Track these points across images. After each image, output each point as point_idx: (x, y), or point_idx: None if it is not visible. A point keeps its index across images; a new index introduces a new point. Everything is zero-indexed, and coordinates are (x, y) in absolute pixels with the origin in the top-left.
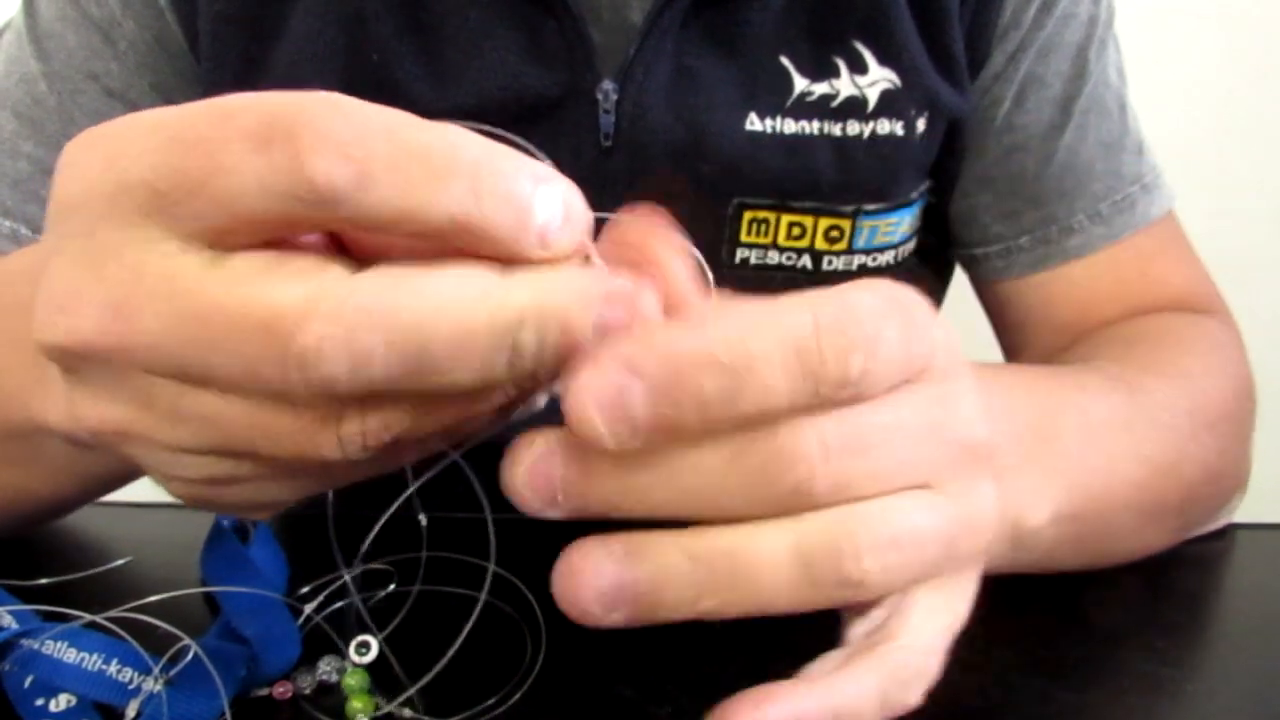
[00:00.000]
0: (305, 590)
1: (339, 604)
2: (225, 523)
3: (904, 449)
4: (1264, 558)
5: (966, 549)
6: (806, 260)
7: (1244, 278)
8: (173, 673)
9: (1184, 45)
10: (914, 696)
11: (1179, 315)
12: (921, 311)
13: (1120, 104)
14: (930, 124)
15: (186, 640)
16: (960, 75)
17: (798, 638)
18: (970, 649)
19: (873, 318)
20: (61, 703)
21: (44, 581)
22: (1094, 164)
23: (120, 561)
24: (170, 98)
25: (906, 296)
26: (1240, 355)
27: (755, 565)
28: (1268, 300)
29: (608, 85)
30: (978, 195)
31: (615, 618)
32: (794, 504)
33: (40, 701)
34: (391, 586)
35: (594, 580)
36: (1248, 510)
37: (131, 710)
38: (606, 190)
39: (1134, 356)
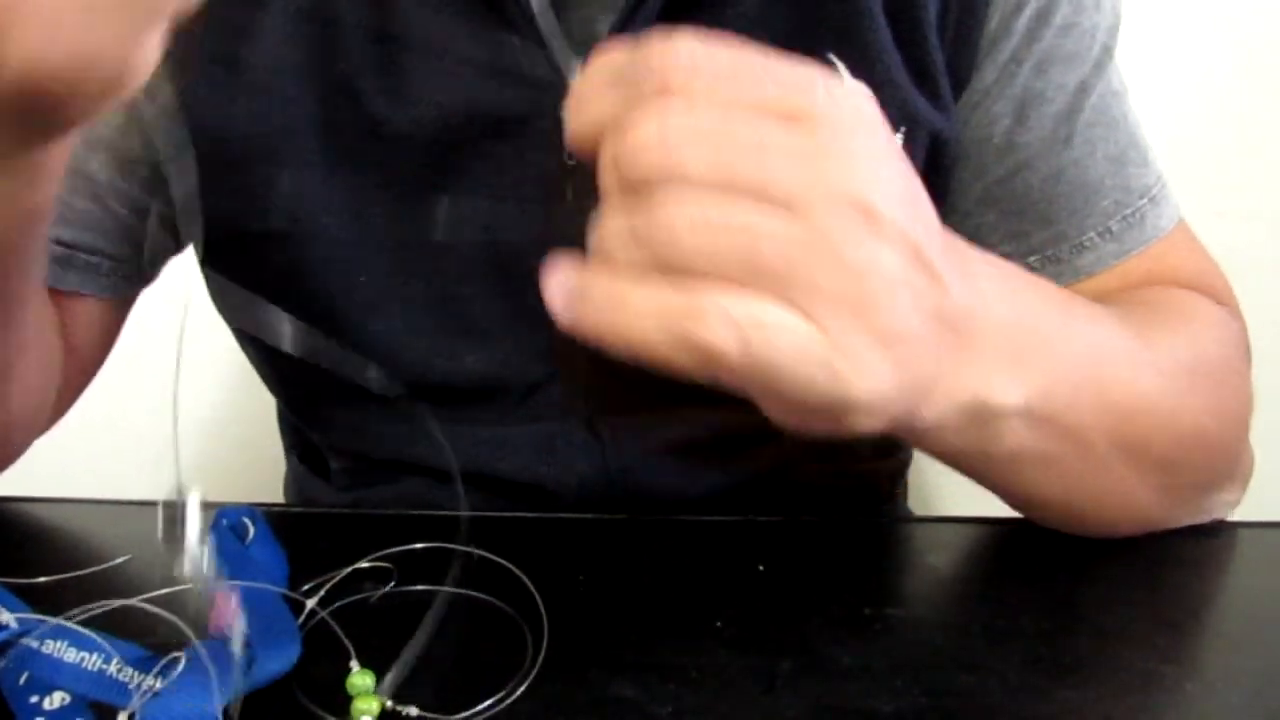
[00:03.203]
0: (306, 587)
1: (340, 602)
2: (225, 521)
3: (755, 157)
4: (1264, 557)
5: (834, 280)
6: None
7: (1244, 278)
8: (173, 673)
9: (1183, 43)
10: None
11: (1187, 291)
12: (801, 69)
13: (1124, 113)
14: (909, 139)
15: (180, 645)
16: (940, 90)
17: (801, 638)
18: (970, 649)
19: (689, 50)
20: (55, 701)
21: (44, 580)
22: (1103, 179)
23: (120, 560)
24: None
25: (777, 64)
26: (1244, 347)
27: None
28: (1268, 300)
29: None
30: (982, 215)
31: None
32: (637, 186)
33: (34, 699)
34: (391, 584)
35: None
36: (1248, 510)
37: (125, 712)
38: (580, 206)
39: (1140, 312)
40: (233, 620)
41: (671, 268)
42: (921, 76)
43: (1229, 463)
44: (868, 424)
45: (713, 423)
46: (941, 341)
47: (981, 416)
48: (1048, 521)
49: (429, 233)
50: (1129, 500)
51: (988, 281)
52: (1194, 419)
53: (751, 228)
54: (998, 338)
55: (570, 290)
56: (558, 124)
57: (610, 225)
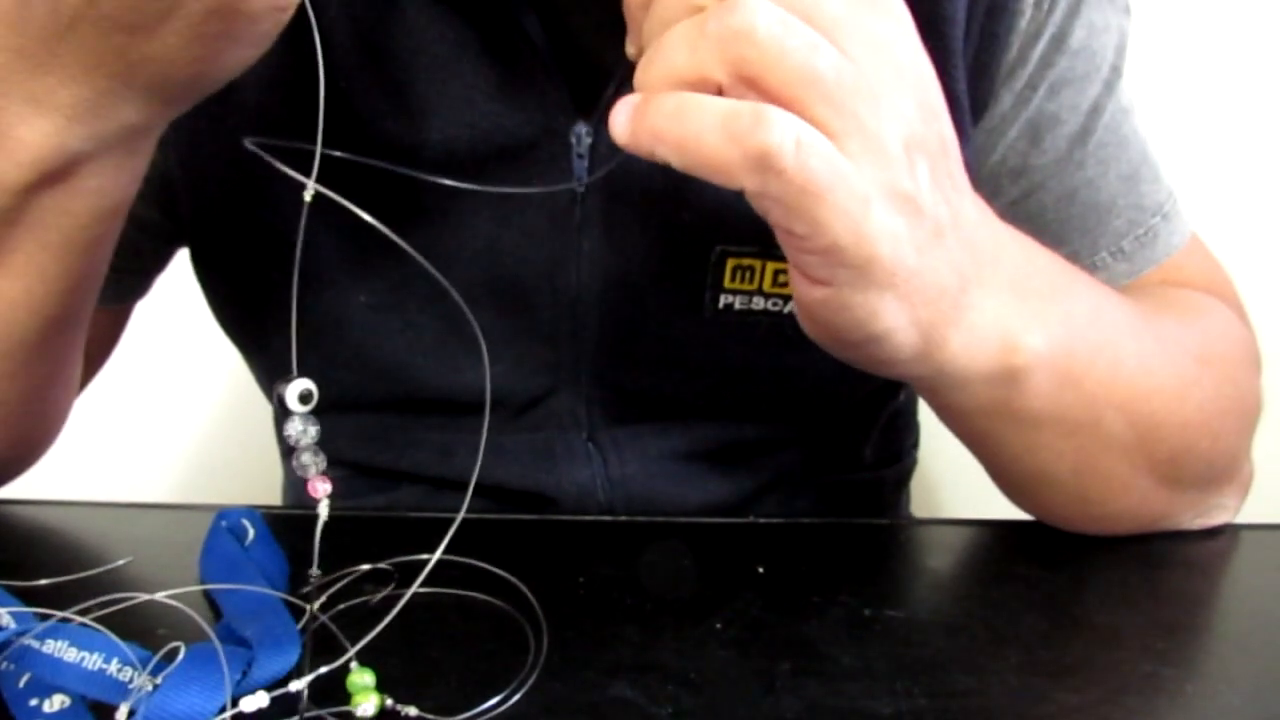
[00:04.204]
0: (306, 590)
1: (341, 605)
2: (224, 523)
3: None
4: (1264, 558)
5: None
6: (793, 306)
7: (1244, 278)
8: (167, 671)
9: (1186, 51)
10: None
11: (1198, 292)
12: None
13: (1134, 130)
14: None
15: (180, 645)
16: (962, 117)
17: (801, 639)
18: (970, 651)
19: None
20: (55, 704)
21: (44, 582)
22: (1116, 198)
23: (121, 562)
24: None
25: None
26: (1252, 353)
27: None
28: (1268, 300)
29: (581, 128)
30: None
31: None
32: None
33: (34, 702)
34: (391, 586)
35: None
36: (1247, 510)
37: (124, 710)
38: (582, 235)
39: (1150, 302)
40: (321, 499)
41: (733, 67)
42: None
43: (1230, 461)
44: (897, 321)
45: (713, 434)
46: (959, 252)
47: (1009, 364)
48: (1051, 510)
49: (429, 255)
50: (1133, 488)
51: (1000, 225)
52: (1200, 407)
53: (816, 46)
54: (1015, 277)
55: (634, 105)
56: (566, 149)
57: (676, 31)
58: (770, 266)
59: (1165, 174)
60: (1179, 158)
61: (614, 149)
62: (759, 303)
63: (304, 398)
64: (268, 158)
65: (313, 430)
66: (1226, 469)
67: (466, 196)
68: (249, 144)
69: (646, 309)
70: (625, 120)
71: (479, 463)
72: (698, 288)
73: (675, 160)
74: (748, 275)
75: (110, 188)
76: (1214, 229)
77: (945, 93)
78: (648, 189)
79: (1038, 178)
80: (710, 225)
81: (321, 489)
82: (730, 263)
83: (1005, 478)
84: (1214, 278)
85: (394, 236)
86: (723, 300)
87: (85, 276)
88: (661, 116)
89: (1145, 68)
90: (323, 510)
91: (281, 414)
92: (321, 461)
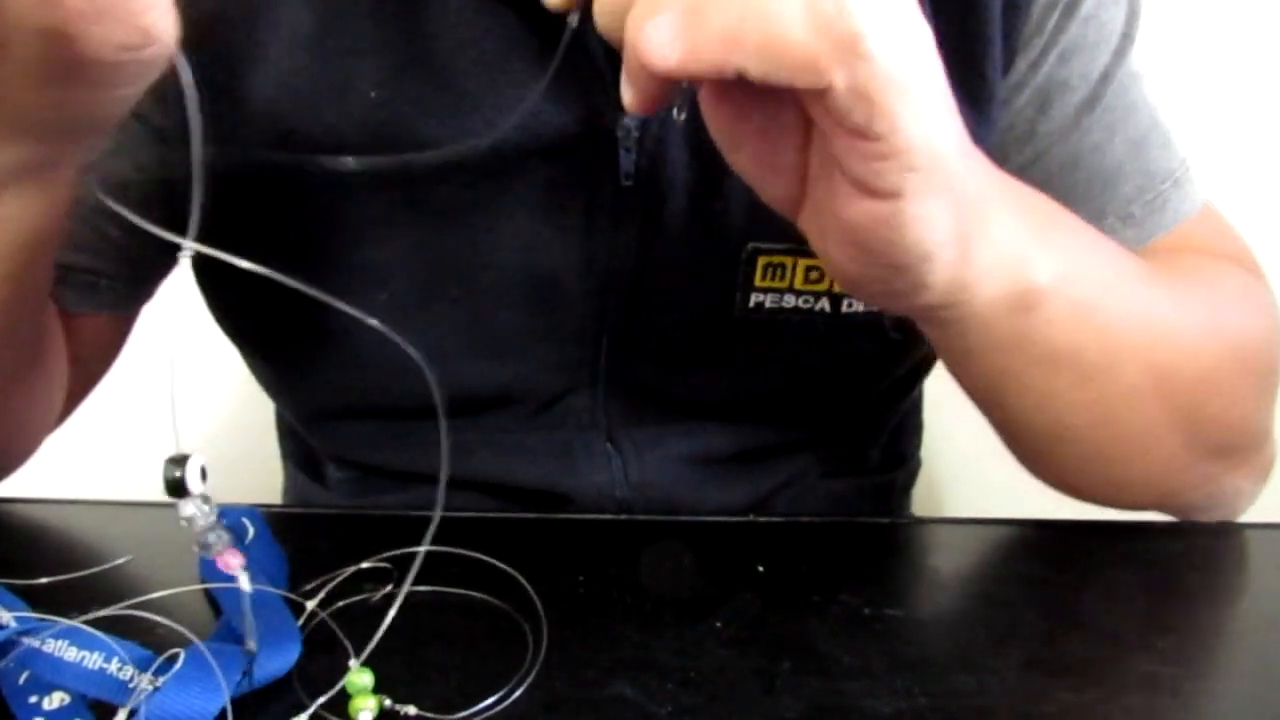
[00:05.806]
0: (307, 588)
1: (341, 603)
2: (224, 522)
3: None
4: (1265, 558)
5: None
6: (825, 303)
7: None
8: (170, 672)
9: (1196, 35)
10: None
11: (1211, 257)
12: None
13: (1143, 96)
14: None
15: (178, 644)
16: (990, 100)
17: (801, 638)
18: (970, 650)
19: None
20: (55, 701)
21: (44, 581)
22: (1123, 164)
23: (120, 560)
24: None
25: None
26: (1276, 318)
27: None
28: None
29: (629, 122)
30: None
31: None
32: None
33: (34, 699)
34: (390, 585)
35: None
36: (1248, 510)
37: (124, 711)
38: (622, 228)
39: (1160, 260)
40: (238, 572)
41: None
42: (973, 93)
43: (1247, 430)
44: (946, 234)
45: (731, 438)
46: (972, 166)
47: (1026, 285)
48: (1070, 472)
49: (462, 254)
50: (1153, 449)
51: (994, 167)
52: (1216, 361)
53: None
54: (1020, 207)
55: (680, 17)
56: (613, 144)
57: None
58: (802, 263)
59: (1179, 141)
60: (1197, 147)
61: (660, 141)
62: (789, 300)
63: (203, 474)
64: (130, 215)
65: (208, 509)
66: (1245, 437)
67: (506, 194)
68: (99, 193)
69: (674, 307)
70: (672, 36)
71: (444, 461)
72: (728, 287)
73: (754, 65)
74: (779, 273)
75: (26, 217)
76: (1232, 211)
77: (976, 87)
78: (686, 179)
79: (1043, 144)
80: (743, 219)
81: (235, 563)
82: (761, 260)
83: (1024, 437)
84: (1231, 246)
85: (281, 277)
86: (753, 299)
87: (17, 303)
88: (731, 18)
89: (1159, 51)
90: (245, 584)
91: (174, 494)
92: (227, 537)
